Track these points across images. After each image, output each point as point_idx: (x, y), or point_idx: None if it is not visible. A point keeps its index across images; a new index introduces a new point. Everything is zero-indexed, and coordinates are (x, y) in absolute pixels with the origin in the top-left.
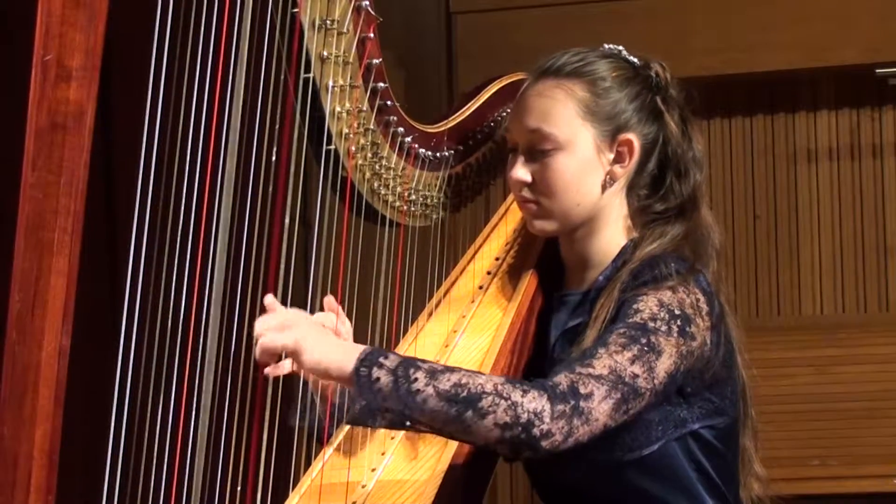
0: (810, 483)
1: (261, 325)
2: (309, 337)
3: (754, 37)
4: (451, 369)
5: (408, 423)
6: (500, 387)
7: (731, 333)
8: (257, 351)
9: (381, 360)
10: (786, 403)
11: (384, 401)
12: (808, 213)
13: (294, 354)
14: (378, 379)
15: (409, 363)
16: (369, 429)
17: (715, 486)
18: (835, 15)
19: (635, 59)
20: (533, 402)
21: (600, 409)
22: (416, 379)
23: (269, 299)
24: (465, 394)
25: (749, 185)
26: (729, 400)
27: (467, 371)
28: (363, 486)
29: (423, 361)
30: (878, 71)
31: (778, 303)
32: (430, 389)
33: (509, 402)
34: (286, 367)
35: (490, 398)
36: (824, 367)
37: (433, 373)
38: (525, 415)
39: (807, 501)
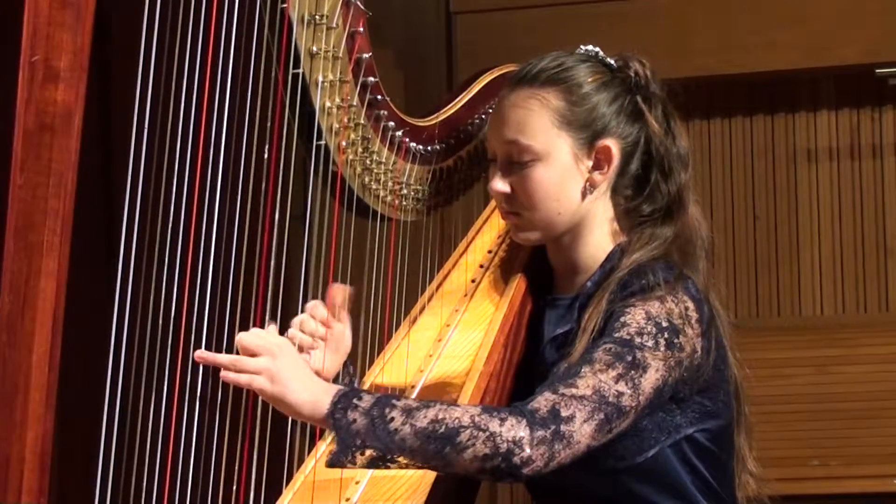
0: (810, 483)
1: (242, 339)
2: (282, 372)
3: (754, 37)
4: (427, 405)
5: (387, 462)
6: (476, 418)
7: (722, 336)
8: (224, 372)
9: (356, 401)
10: (786, 403)
11: (363, 442)
12: (808, 214)
13: (261, 386)
14: (354, 421)
15: (384, 402)
16: None
17: (710, 488)
18: (835, 15)
19: (612, 61)
20: (511, 430)
21: (582, 431)
22: (392, 418)
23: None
24: (442, 430)
25: (749, 185)
26: (722, 402)
27: (443, 405)
28: (356, 482)
29: (398, 399)
30: (878, 71)
31: (778, 303)
32: (407, 428)
33: (487, 433)
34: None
35: (468, 432)
36: (824, 367)
37: (409, 411)
38: (504, 444)
39: (807, 501)
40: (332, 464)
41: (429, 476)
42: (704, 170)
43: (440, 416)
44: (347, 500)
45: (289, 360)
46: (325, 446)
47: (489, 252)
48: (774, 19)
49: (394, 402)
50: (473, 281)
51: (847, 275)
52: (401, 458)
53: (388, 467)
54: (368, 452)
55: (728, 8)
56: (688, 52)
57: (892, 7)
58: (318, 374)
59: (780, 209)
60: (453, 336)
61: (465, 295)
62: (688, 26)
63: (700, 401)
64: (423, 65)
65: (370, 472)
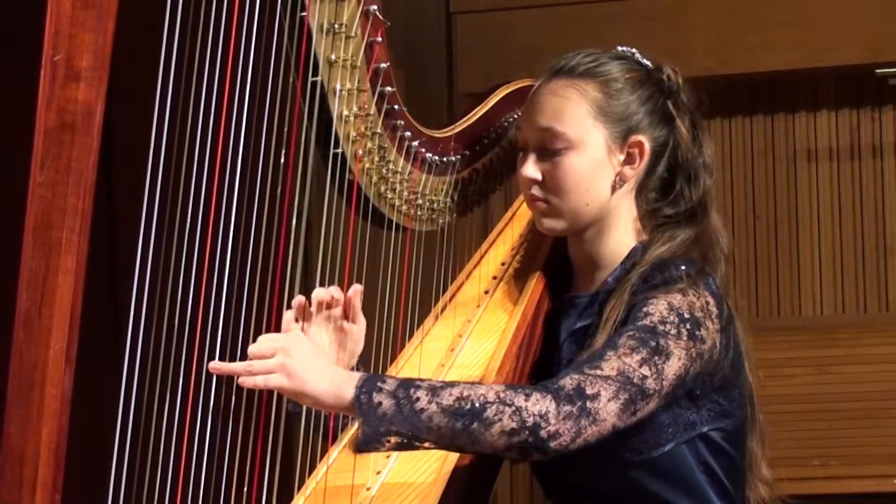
0: (810, 483)
1: (253, 348)
2: (297, 366)
3: (754, 37)
4: (451, 384)
5: (415, 443)
6: (501, 394)
7: (739, 336)
8: (242, 378)
9: (380, 384)
10: (786, 403)
11: (389, 424)
12: (808, 213)
13: (278, 384)
14: (380, 403)
15: (409, 383)
16: None
17: (723, 487)
18: (835, 15)
19: (648, 62)
20: (537, 404)
21: (608, 409)
22: (417, 398)
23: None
24: (468, 406)
25: (749, 185)
26: (737, 402)
27: (467, 384)
28: (368, 489)
29: (422, 380)
30: (878, 71)
31: (778, 303)
32: (433, 406)
33: (513, 407)
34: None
35: (494, 406)
36: (824, 367)
37: (434, 389)
38: (531, 418)
39: (807, 501)
40: (360, 449)
41: (440, 482)
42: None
43: (465, 394)
44: None
45: (302, 353)
46: (336, 452)
47: (503, 264)
48: (774, 19)
49: (418, 382)
50: (486, 292)
51: (847, 275)
52: (427, 439)
53: (415, 448)
54: (395, 437)
55: (728, 8)
56: (688, 52)
57: (892, 7)
58: None
59: (780, 209)
60: (466, 346)
61: (479, 306)
62: (688, 26)
63: (716, 399)
64: (424, 65)
65: (381, 478)
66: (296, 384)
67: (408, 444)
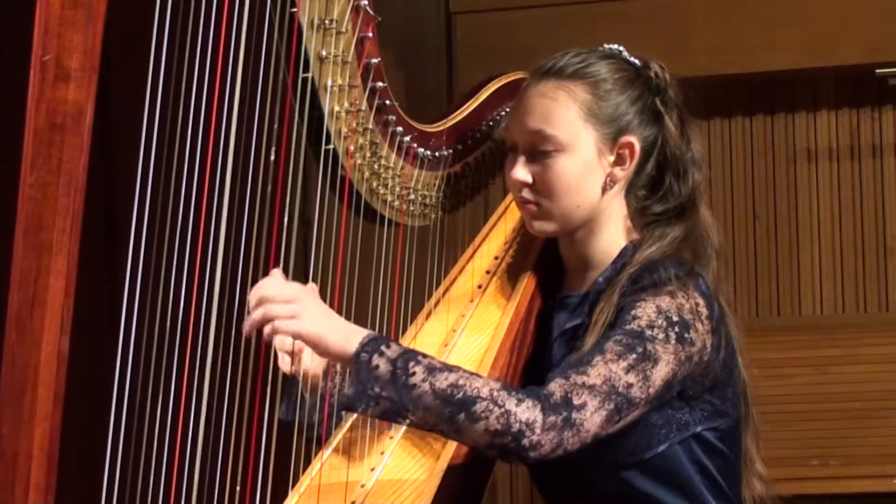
0: (810, 483)
1: (264, 290)
2: (310, 310)
3: (754, 37)
4: (450, 368)
5: (399, 416)
6: (495, 393)
7: (731, 335)
8: (257, 315)
9: (383, 348)
10: (786, 403)
11: (380, 389)
12: (808, 214)
13: (295, 322)
14: (377, 366)
15: (410, 356)
16: (368, 428)
17: (718, 486)
18: (835, 15)
19: (636, 60)
20: (526, 412)
21: (592, 420)
22: (413, 373)
23: (276, 273)
24: (460, 395)
25: (749, 185)
26: (730, 402)
27: (466, 372)
28: (362, 486)
29: (424, 356)
30: (878, 71)
31: (778, 303)
32: (426, 386)
33: (503, 409)
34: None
35: (484, 403)
36: (824, 367)
37: (432, 369)
38: (517, 424)
39: (807, 501)
40: (345, 406)
41: (434, 479)
42: (704, 170)
43: (460, 382)
44: (353, 503)
45: (316, 301)
46: (330, 451)
47: (496, 258)
48: (774, 19)
49: (419, 357)
50: (480, 287)
51: (847, 275)
52: (412, 415)
53: (396, 422)
54: (382, 403)
55: (728, 8)
56: (688, 52)
57: (892, 7)
58: (305, 374)
59: (780, 209)
60: (459, 341)
61: (472, 300)
62: (688, 26)
63: (709, 399)
64: (423, 65)
65: (375, 475)
66: (317, 329)
67: (392, 415)
